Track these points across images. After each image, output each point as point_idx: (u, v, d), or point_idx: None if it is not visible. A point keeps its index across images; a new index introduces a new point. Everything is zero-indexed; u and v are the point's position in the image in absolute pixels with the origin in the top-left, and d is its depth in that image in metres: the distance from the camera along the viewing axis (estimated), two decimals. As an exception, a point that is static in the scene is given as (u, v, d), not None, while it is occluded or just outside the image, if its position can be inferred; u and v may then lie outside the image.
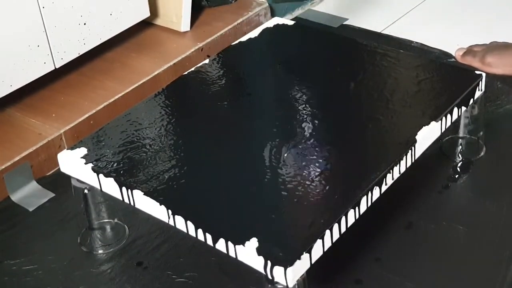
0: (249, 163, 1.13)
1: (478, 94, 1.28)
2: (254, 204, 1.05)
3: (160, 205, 1.05)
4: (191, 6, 1.73)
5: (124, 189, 1.10)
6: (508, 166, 1.35)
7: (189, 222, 1.02)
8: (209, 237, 1.01)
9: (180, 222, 1.04)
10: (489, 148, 1.39)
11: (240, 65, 1.40)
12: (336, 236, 1.01)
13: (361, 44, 1.42)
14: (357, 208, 1.03)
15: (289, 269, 0.94)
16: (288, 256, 0.95)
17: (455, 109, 1.22)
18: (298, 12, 1.97)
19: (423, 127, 1.16)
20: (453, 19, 1.86)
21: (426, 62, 1.35)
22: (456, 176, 1.34)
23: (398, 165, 1.10)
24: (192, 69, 1.36)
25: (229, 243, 0.98)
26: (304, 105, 1.25)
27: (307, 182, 1.08)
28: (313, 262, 0.97)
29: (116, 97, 1.52)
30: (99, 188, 1.14)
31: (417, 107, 1.22)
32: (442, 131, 1.20)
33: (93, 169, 1.13)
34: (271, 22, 1.49)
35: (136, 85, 1.55)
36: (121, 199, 1.12)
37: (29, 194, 1.37)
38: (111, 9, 1.57)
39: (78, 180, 1.18)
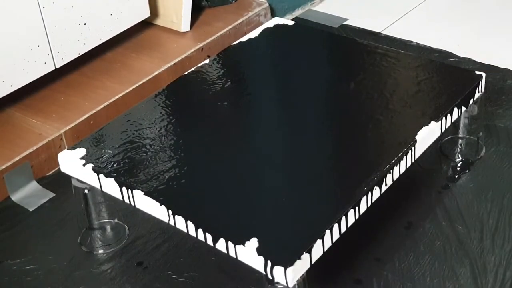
0: (249, 163, 1.13)
1: (478, 94, 1.28)
2: (254, 204, 1.05)
3: (160, 205, 1.05)
4: (191, 6, 1.73)
5: (124, 189, 1.10)
6: (508, 166, 1.35)
7: (189, 222, 1.02)
8: (209, 237, 1.01)
9: (180, 222, 1.04)
10: (489, 148, 1.39)
11: (240, 65, 1.40)
12: (336, 236, 1.01)
13: (361, 44, 1.42)
14: (357, 208, 1.03)
15: (289, 269, 0.94)
16: (288, 256, 0.95)
17: (455, 109, 1.22)
18: (298, 12, 1.97)
19: (423, 127, 1.16)
20: (453, 19, 1.86)
21: (426, 62, 1.35)
22: (456, 176, 1.34)
23: (398, 165, 1.10)
24: (192, 69, 1.37)
25: (229, 243, 0.98)
26: (304, 105, 1.25)
27: (307, 182, 1.08)
28: (313, 262, 0.97)
29: (116, 97, 1.52)
30: (99, 188, 1.14)
31: (417, 107, 1.23)
32: (442, 131, 1.20)
33: (93, 169, 1.13)
34: (271, 22, 1.49)
35: (136, 85, 1.56)
36: (121, 199, 1.12)
37: (29, 194, 1.37)
38: (111, 9, 1.57)
39: (78, 180, 1.18)
